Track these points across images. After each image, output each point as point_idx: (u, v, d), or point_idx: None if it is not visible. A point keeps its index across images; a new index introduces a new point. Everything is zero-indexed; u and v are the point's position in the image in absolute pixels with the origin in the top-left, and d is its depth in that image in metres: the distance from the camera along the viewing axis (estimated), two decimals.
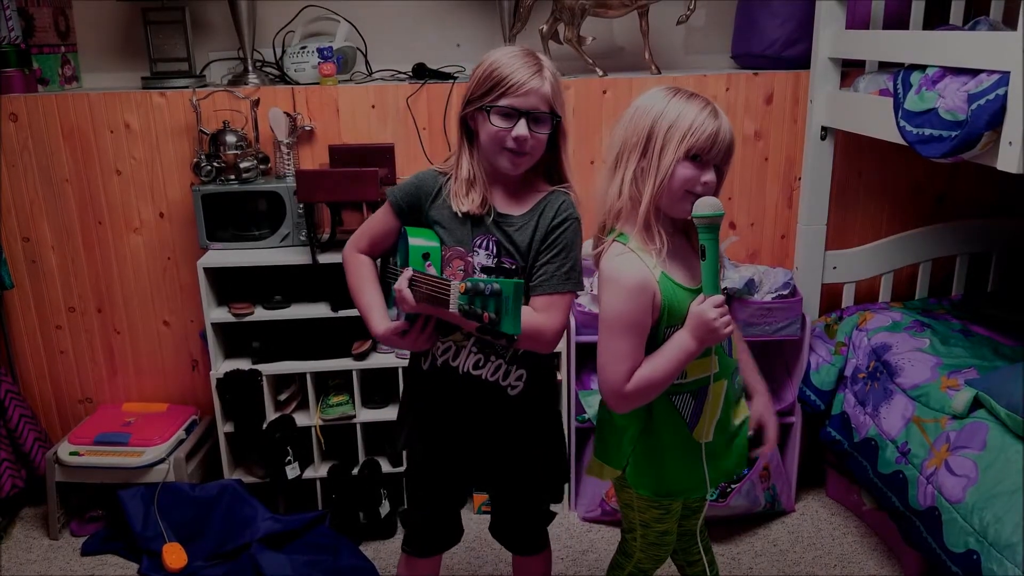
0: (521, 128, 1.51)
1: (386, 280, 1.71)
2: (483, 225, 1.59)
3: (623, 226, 1.53)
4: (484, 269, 1.59)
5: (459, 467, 1.75)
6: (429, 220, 1.62)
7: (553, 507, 1.88)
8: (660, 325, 1.51)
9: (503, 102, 1.51)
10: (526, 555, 1.89)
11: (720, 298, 1.49)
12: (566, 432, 2.52)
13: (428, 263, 1.56)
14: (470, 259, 1.59)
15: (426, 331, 1.59)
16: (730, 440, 1.66)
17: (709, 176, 1.48)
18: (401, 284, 1.50)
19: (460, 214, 1.58)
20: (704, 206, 1.47)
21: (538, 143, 1.55)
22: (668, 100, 1.49)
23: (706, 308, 1.48)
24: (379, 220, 1.69)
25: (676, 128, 1.46)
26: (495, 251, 1.59)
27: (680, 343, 1.50)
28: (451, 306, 1.39)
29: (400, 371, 2.50)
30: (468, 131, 1.61)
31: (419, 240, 1.58)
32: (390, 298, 1.64)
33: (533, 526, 1.86)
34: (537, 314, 1.56)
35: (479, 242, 1.59)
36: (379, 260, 1.74)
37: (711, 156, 1.48)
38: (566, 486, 2.63)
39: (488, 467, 1.73)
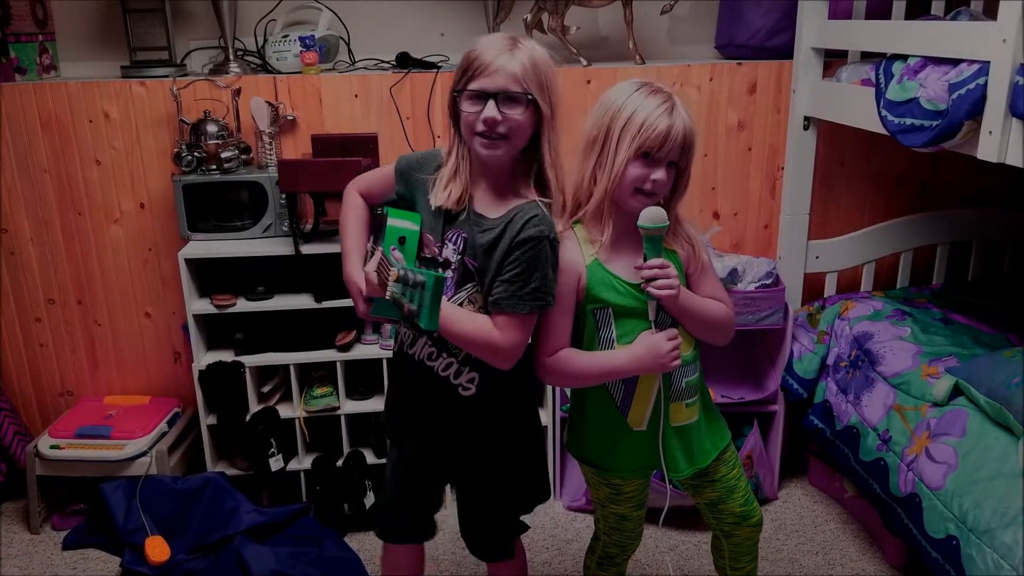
0: (490, 110, 1.42)
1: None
2: (457, 220, 1.54)
3: (585, 210, 1.60)
4: (423, 261, 1.51)
5: (420, 458, 1.71)
6: (417, 200, 1.60)
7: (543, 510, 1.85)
8: (584, 304, 1.58)
9: (472, 85, 1.45)
10: (487, 561, 1.81)
11: (674, 332, 1.54)
12: (551, 423, 2.55)
13: (393, 247, 1.48)
14: (438, 249, 1.56)
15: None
16: (665, 435, 1.63)
17: (659, 174, 1.51)
18: (370, 267, 1.47)
19: (433, 207, 1.54)
20: (646, 217, 1.50)
21: (514, 126, 1.44)
22: (628, 96, 1.52)
23: (659, 339, 1.53)
24: (379, 175, 1.70)
25: (629, 126, 1.50)
26: (462, 247, 1.53)
27: (617, 360, 1.56)
28: (387, 293, 1.38)
29: (385, 362, 2.50)
30: (457, 121, 1.54)
31: (399, 222, 1.50)
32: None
33: (493, 534, 1.76)
34: (494, 329, 1.49)
35: (450, 235, 1.54)
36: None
37: (662, 154, 1.51)
38: (553, 484, 2.63)
39: (451, 466, 1.70)
